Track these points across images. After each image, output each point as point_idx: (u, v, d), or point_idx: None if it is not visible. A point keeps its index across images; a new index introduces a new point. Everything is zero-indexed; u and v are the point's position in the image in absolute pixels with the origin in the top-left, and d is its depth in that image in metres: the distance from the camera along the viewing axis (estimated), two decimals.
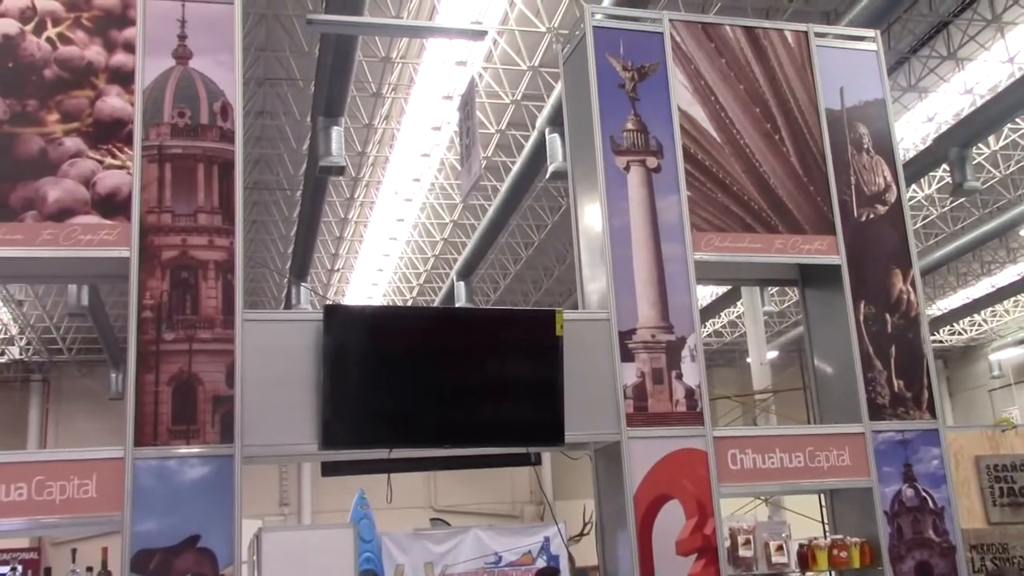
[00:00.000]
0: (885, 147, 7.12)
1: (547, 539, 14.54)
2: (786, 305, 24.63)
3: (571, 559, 12.62)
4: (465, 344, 5.88)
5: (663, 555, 5.85)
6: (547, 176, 13.71)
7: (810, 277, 7.07)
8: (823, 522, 11.27)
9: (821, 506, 13.53)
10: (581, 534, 12.87)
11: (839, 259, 6.70)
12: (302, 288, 17.32)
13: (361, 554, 10.49)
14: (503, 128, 16.28)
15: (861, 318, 6.61)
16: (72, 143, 5.64)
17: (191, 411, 5.35)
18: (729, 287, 19.39)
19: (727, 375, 24.20)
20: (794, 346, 20.46)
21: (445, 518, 16.02)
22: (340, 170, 13.20)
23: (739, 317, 23.82)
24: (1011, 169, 18.69)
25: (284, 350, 5.62)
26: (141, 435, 5.24)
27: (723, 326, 26.14)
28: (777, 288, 22.00)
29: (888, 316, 6.69)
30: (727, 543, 5.95)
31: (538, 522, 16.29)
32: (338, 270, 22.07)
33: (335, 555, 9.26)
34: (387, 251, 21.92)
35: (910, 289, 6.81)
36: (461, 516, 16.34)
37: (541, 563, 13.88)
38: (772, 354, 19.13)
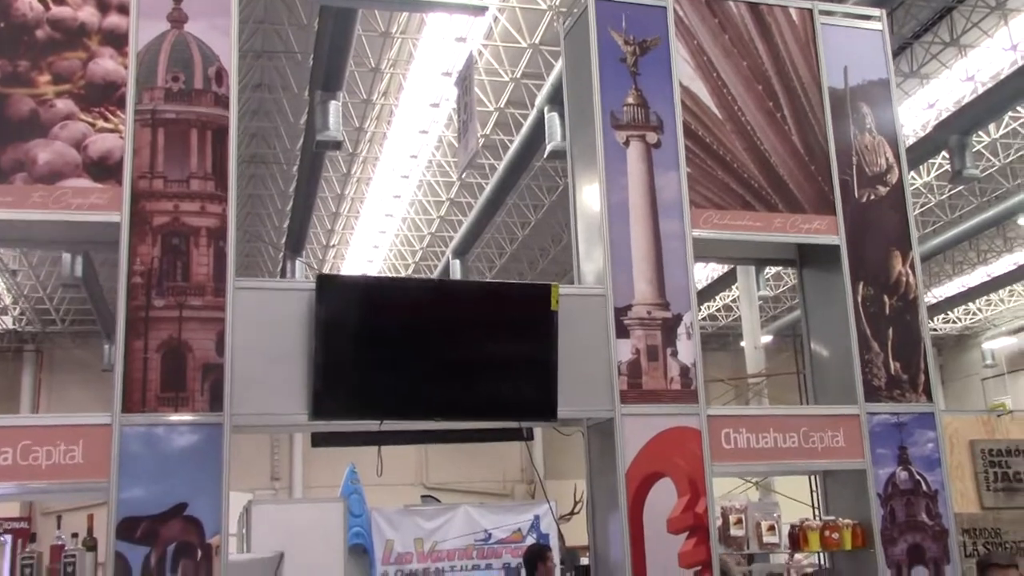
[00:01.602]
0: (888, 128, 7.05)
1: (537, 517, 14.54)
2: (781, 290, 24.62)
3: (561, 537, 12.60)
4: (459, 317, 5.81)
5: (654, 533, 5.81)
6: (545, 155, 13.64)
7: (809, 257, 7.01)
8: (813, 506, 11.29)
9: (812, 490, 13.57)
10: (571, 513, 12.85)
11: (838, 239, 6.63)
12: (297, 263, 17.24)
13: (351, 528, 10.48)
14: (502, 106, 16.19)
15: (859, 299, 6.55)
16: (64, 105, 5.55)
17: (180, 378, 5.28)
18: (725, 270, 19.35)
19: (721, 359, 24.18)
20: (789, 331, 20.44)
21: (436, 495, 16.03)
22: (337, 145, 13.12)
23: (734, 301, 23.80)
24: (1010, 158, 18.64)
25: (276, 319, 5.56)
26: (129, 401, 5.18)
27: (718, 310, 26.13)
28: (773, 273, 21.98)
29: (886, 298, 6.63)
30: (719, 522, 5.92)
31: (529, 500, 16.30)
32: (333, 246, 22.01)
33: (325, 529, 9.28)
34: (383, 228, 21.86)
35: (909, 272, 6.75)
36: (452, 494, 16.34)
37: (531, 540, 13.89)
38: (766, 339, 19.11)
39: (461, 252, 18.81)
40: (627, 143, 6.40)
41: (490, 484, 16.89)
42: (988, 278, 23.70)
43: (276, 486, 17.58)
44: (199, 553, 5.06)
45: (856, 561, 5.90)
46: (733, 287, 20.09)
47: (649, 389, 6.02)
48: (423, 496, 16.19)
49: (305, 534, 8.14)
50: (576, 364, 5.86)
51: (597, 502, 6.24)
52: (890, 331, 6.55)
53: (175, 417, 5.23)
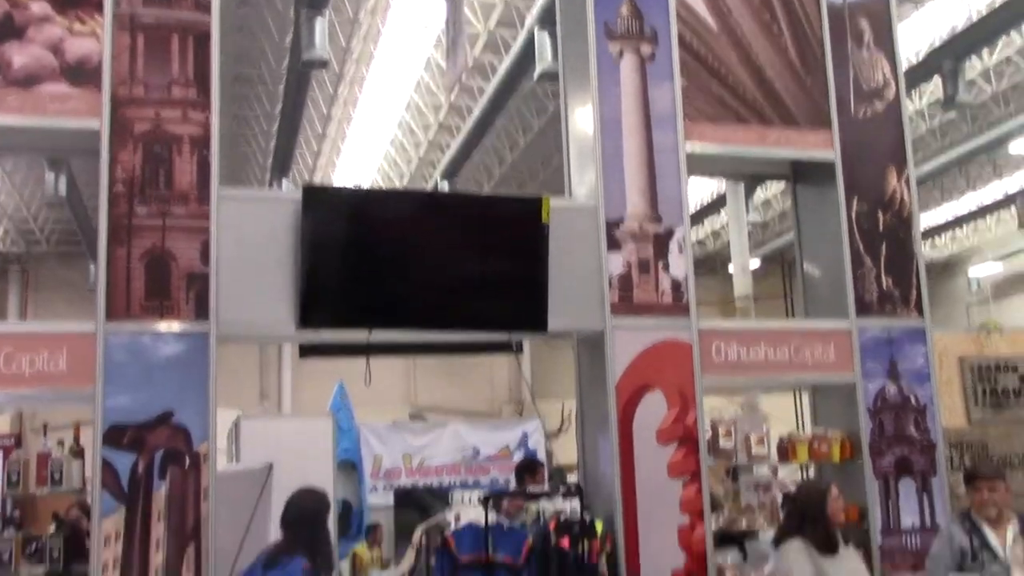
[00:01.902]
0: (886, 43, 6.91)
1: (525, 434, 14.64)
2: (770, 216, 24.52)
3: (549, 454, 12.69)
4: (449, 228, 5.72)
5: (643, 444, 5.82)
6: (535, 77, 13.38)
7: (803, 173, 6.93)
8: (798, 425, 11.36)
9: (797, 411, 13.64)
10: (559, 431, 12.93)
11: (833, 155, 6.54)
12: (284, 183, 17.05)
13: (339, 444, 10.46)
14: (491, 28, 15.85)
15: (853, 215, 6.49)
16: (38, 7, 5.38)
17: (165, 287, 5.20)
18: (714, 196, 19.23)
19: (708, 283, 24.14)
20: (777, 256, 20.42)
21: (423, 417, 16.12)
22: (323, 64, 12.84)
23: (723, 227, 23.71)
24: (1003, 85, 18.43)
25: (262, 230, 5.47)
26: (113, 309, 5.11)
27: (706, 235, 26.05)
28: (762, 201, 21.86)
29: (880, 214, 6.57)
30: (708, 435, 5.92)
31: (517, 418, 16.40)
32: (320, 168, 21.75)
33: (314, 444, 9.25)
34: (370, 150, 21.58)
35: (904, 188, 6.68)
36: (439, 415, 16.42)
37: (519, 457, 13.99)
38: (754, 263, 19.07)
39: (450, 175, 18.59)
40: (620, 55, 6.26)
41: (477, 405, 16.95)
42: (977, 208, 23.65)
43: (264, 405, 17.62)
44: (187, 461, 5.03)
45: (844, 473, 5.93)
46: (721, 211, 20.00)
47: (640, 302, 5.97)
48: (412, 416, 16.29)
49: (294, 449, 8.08)
50: (567, 277, 5.81)
51: (587, 415, 6.23)
52: (883, 247, 6.51)
53: (161, 326, 5.16)
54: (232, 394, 8.16)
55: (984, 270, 28.23)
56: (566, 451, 7.56)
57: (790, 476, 7.12)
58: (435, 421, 15.39)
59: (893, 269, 6.48)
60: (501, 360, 17.97)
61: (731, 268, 15.20)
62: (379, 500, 13.75)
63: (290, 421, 11.87)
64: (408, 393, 17.09)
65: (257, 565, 5.39)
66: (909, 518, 6.19)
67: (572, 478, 9.67)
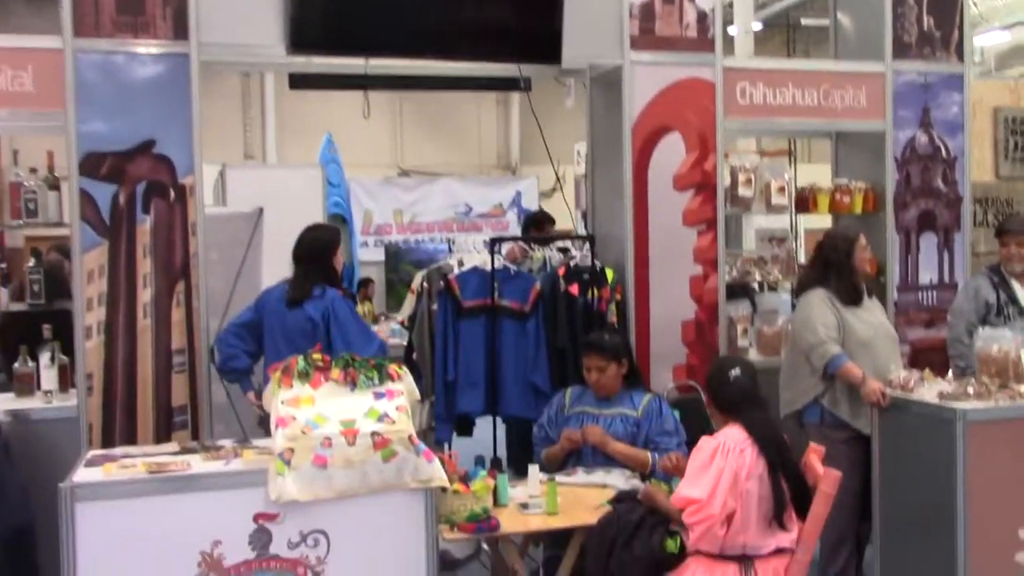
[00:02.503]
0: None
1: (519, 192, 14.28)
2: None
3: (541, 209, 12.36)
4: None
5: (658, 191, 5.47)
6: None
7: None
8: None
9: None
10: (553, 191, 12.57)
11: None
12: None
13: (329, 197, 10.16)
14: None
15: None
16: None
17: (138, 1, 4.63)
18: None
19: None
20: (781, 18, 19.51)
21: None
22: None
23: None
24: None
25: None
26: (82, 25, 4.55)
27: None
28: None
29: None
30: (727, 182, 5.56)
31: (510, 175, 16.00)
32: None
33: (304, 194, 8.93)
34: None
35: None
36: (427, 177, 15.99)
37: (512, 215, 13.68)
38: (756, 25, 18.23)
39: None
40: None
41: (466, 168, 16.47)
42: None
43: (249, 164, 17.12)
44: (172, 194, 4.65)
45: (865, 225, 5.60)
46: None
47: (662, 35, 5.44)
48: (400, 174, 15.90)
49: (284, 199, 7.74)
50: (583, 5, 5.26)
51: (598, 161, 5.85)
52: None
53: (138, 48, 4.64)
54: (214, 148, 7.69)
55: (989, 39, 27.30)
56: (559, 214, 7.22)
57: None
58: (426, 177, 14.93)
59: (935, 7, 5.93)
60: (490, 121, 17.39)
61: (732, 31, 14.47)
62: (370, 256, 13.57)
63: (279, 171, 11.44)
64: (395, 154, 16.56)
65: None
66: (927, 274, 5.96)
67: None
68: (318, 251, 4.61)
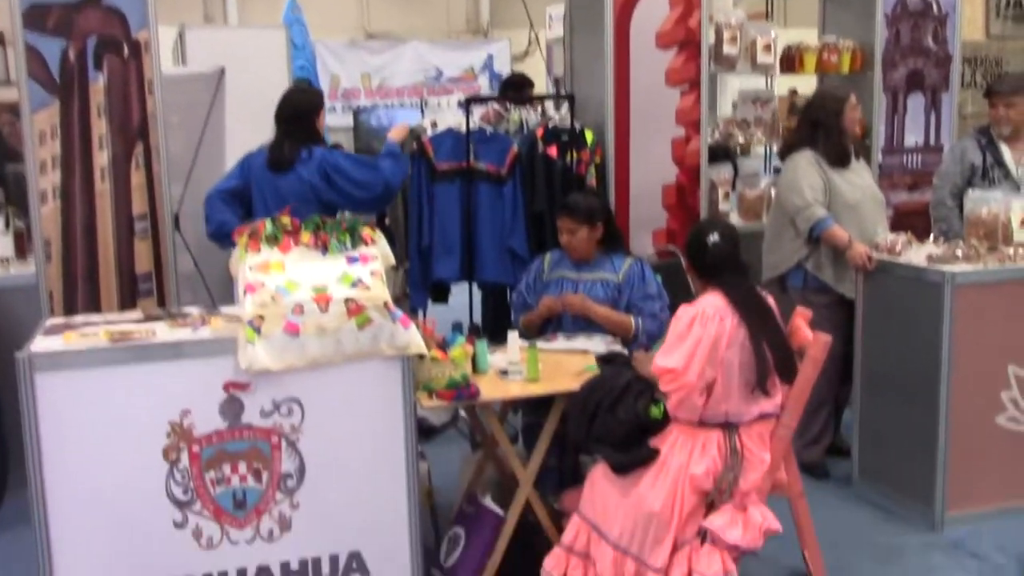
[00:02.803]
0: None
1: (491, 56, 13.84)
2: None
3: (519, 72, 12.03)
4: None
5: (640, 48, 5.25)
6: None
7: None
8: None
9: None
10: (525, 54, 12.18)
11: None
12: None
13: (294, 60, 9.73)
14: None
15: None
16: None
17: None
18: None
19: None
20: None
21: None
22: None
23: None
24: None
25: None
26: None
27: None
28: None
29: None
30: (711, 39, 5.32)
31: (482, 39, 15.49)
32: None
33: (268, 56, 8.51)
34: None
35: None
36: (395, 40, 15.40)
37: (484, 80, 13.29)
38: None
39: None
40: None
41: (434, 33, 15.89)
42: None
43: (209, 27, 16.40)
44: (125, 49, 4.36)
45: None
46: None
47: None
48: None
49: (247, 61, 7.34)
50: None
51: (576, 17, 5.57)
52: None
53: None
54: (172, 12, 7.24)
55: None
56: (534, 79, 6.93)
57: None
58: (394, 40, 14.39)
59: None
60: None
61: None
62: (338, 121, 13.18)
63: (241, 32, 10.95)
64: (360, 18, 15.93)
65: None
66: (913, 136, 5.82)
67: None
68: (302, 112, 4.44)
